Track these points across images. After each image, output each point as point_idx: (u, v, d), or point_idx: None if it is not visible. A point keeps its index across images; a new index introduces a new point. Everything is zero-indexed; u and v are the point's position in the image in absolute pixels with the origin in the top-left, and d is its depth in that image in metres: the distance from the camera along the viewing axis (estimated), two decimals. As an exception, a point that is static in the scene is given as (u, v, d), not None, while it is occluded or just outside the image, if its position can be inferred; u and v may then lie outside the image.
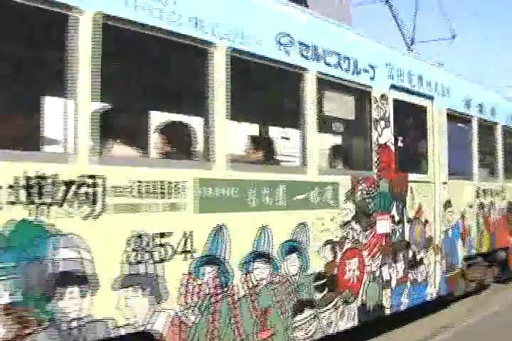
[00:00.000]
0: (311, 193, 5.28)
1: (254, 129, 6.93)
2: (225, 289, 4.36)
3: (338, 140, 6.98)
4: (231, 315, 4.39)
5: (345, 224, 5.78)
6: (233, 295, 4.41)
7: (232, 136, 4.54)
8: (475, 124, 8.61)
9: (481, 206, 8.68)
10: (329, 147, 6.53)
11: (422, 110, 7.41)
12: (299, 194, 5.14)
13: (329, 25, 5.85)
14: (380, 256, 6.35)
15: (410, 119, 7.69)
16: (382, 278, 6.38)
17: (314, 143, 5.35)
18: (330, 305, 5.66)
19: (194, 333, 4.07)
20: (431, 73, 7.65)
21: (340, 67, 5.72)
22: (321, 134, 5.75)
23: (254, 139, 5.97)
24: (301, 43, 5.18)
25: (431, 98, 7.47)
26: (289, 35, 5.04)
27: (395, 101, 6.66)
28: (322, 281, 5.54)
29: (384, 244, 6.40)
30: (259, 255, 4.70)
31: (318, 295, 5.46)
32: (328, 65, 5.55)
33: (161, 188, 3.83)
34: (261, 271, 4.72)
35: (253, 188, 4.63)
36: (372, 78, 6.25)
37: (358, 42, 6.34)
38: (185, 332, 4.01)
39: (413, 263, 7.08)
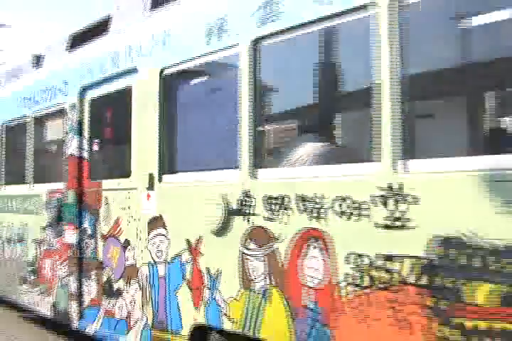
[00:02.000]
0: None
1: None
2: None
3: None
4: None
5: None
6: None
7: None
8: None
9: (260, 235, 3.88)
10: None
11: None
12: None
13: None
14: (68, 264, 6.37)
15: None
16: (70, 289, 6.32)
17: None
18: (37, 288, 7.12)
19: None
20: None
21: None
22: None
23: None
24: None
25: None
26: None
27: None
28: (32, 268, 7.27)
29: (72, 254, 6.30)
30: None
31: (31, 277, 7.28)
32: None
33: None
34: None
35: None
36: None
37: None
38: None
39: (109, 291, 5.62)
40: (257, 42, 3.96)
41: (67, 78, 6.59)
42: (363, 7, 3.26)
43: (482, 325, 2.69)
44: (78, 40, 7.06)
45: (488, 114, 3.41)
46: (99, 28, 6.59)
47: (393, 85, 3.09)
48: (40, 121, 7.32)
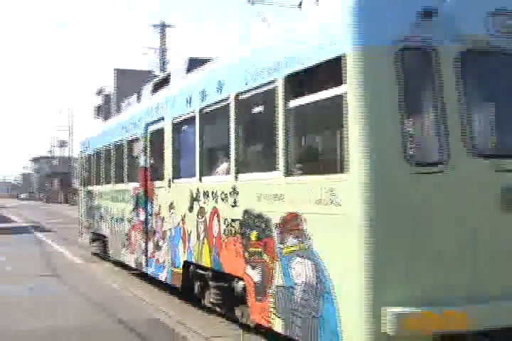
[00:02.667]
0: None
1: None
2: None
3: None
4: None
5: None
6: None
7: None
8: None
9: (202, 211, 7.44)
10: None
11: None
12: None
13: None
14: (141, 233, 10.25)
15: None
16: (142, 246, 10.20)
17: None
18: (128, 250, 11.10)
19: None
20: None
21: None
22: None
23: None
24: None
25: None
26: None
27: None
28: (126, 237, 11.14)
29: (143, 226, 10.17)
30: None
31: (126, 243, 11.13)
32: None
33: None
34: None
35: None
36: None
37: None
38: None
39: (157, 247, 9.39)
40: (201, 110, 7.52)
41: (141, 116, 10.54)
42: (224, 100, 6.70)
43: (255, 249, 6.06)
44: (156, 87, 10.99)
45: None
46: (164, 81, 10.46)
47: (235, 137, 6.51)
48: (129, 143, 11.39)
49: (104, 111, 72.21)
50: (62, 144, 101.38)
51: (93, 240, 14.85)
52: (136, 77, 60.84)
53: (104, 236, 13.42)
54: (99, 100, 78.65)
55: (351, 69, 4.53)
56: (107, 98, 73.91)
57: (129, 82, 61.11)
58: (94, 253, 14.94)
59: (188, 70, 9.16)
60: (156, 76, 49.31)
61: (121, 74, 69.51)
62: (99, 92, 79.05)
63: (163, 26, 56.74)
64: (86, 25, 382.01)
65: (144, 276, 10.76)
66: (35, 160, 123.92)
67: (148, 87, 11.78)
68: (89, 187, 15.27)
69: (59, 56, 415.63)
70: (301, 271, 5.19)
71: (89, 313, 8.17)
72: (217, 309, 7.44)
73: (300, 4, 9.07)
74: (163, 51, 58.25)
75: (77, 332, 7.21)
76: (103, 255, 13.86)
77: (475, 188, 4.54)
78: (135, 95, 13.45)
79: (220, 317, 7.57)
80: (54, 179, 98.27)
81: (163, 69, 54.67)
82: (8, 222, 32.22)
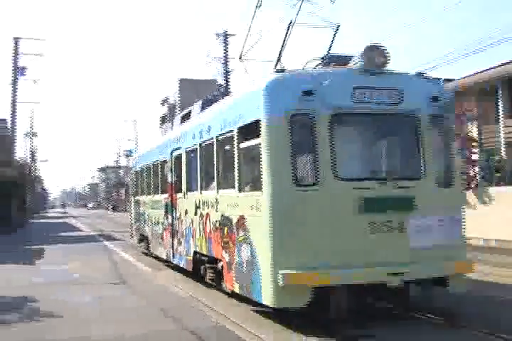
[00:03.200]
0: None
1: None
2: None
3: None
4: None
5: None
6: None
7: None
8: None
9: (201, 215, 10.51)
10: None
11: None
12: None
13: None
14: (169, 233, 13.46)
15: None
16: (170, 243, 13.36)
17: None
18: (162, 246, 14.46)
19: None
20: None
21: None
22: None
23: None
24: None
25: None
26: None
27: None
28: (161, 236, 14.51)
29: (170, 228, 13.35)
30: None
31: (160, 241, 14.34)
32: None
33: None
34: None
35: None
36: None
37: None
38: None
39: (178, 243, 12.63)
40: (200, 144, 10.67)
41: (169, 143, 13.81)
42: (211, 139, 9.82)
43: (226, 239, 9.13)
44: (182, 119, 14.24)
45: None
46: (188, 115, 13.69)
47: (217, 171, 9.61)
48: (162, 163, 14.69)
49: (168, 120, 72.48)
50: (129, 154, 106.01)
51: (140, 240, 18.25)
52: (200, 86, 62.37)
53: (147, 237, 16.78)
54: (164, 109, 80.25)
55: (262, 128, 7.58)
56: (172, 107, 75.05)
57: (193, 91, 61.75)
58: (143, 253, 18.27)
59: (202, 109, 12.32)
60: (220, 85, 50.42)
61: (185, 84, 70.57)
62: (164, 102, 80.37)
63: (225, 35, 57.25)
64: (151, 34, 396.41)
65: (209, 283, 10.82)
66: (102, 170, 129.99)
67: (177, 119, 15.03)
68: (137, 197, 18.74)
69: (126, 66, 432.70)
70: (245, 252, 8.22)
71: (156, 320, 8.37)
72: (213, 283, 10.53)
73: (278, 60, 12.14)
74: (226, 60, 57.49)
75: (144, 338, 7.46)
76: (147, 252, 17.22)
77: (338, 199, 7.49)
78: (170, 123, 16.66)
79: (291, 329, 7.77)
80: (120, 188, 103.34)
81: (226, 78, 54.22)
82: (77, 231, 33.63)
